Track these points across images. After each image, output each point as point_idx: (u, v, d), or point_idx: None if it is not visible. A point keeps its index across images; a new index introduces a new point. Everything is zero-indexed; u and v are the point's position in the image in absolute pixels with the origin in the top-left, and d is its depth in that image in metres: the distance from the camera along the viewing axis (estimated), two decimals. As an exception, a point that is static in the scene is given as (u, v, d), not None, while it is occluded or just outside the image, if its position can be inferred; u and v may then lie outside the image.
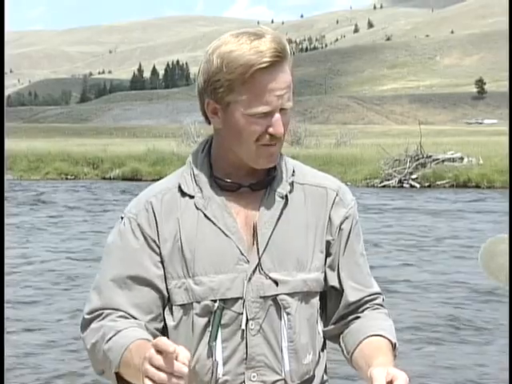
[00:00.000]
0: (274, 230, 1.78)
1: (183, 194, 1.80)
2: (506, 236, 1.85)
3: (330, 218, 1.84)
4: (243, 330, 1.75)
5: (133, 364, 1.62)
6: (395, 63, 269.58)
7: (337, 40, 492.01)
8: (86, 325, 1.79)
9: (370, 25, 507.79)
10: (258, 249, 1.76)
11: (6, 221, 10.54)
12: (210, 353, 1.75)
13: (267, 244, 1.77)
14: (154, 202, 1.80)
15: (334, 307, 1.86)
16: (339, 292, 1.85)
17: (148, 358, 1.49)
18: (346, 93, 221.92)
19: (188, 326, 1.77)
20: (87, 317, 1.78)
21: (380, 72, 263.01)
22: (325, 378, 1.89)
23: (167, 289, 1.78)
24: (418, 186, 26.76)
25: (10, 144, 32.68)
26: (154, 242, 1.78)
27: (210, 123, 1.81)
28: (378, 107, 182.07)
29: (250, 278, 1.75)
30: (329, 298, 1.87)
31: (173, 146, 38.70)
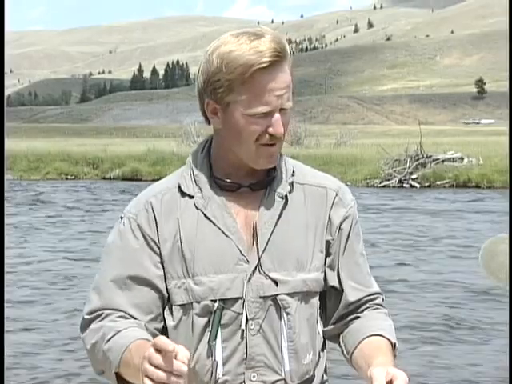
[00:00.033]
0: (273, 230, 1.78)
1: (183, 194, 1.80)
2: (507, 236, 1.85)
3: (329, 217, 1.84)
4: (243, 330, 1.75)
5: (133, 364, 1.62)
6: (395, 63, 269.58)
7: (337, 40, 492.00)
8: (85, 325, 1.79)
9: (370, 25, 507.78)
10: (257, 249, 1.76)
11: (5, 221, 10.54)
12: (210, 353, 1.75)
13: (267, 244, 1.77)
14: (154, 202, 1.80)
15: (333, 307, 1.86)
16: (339, 292, 1.85)
17: (147, 357, 1.49)
18: (346, 93, 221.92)
19: (188, 326, 1.77)
20: (87, 317, 1.78)
21: (380, 72, 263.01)
22: (325, 377, 1.89)
23: (167, 289, 1.78)
24: (417, 186, 26.76)
25: (10, 144, 32.68)
26: (154, 242, 1.78)
27: (209, 123, 1.81)
28: (378, 107, 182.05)
29: (249, 278, 1.75)
30: (328, 298, 1.87)
31: (173, 146, 38.72)
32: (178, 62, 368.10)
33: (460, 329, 7.98)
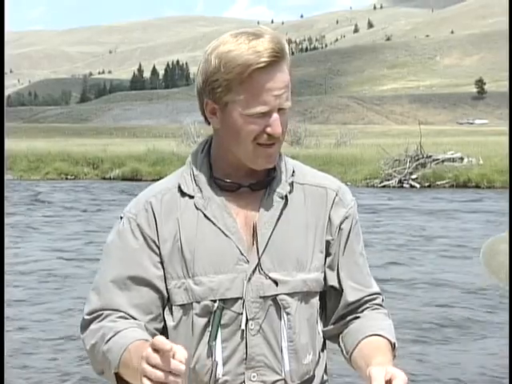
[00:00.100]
0: (273, 230, 1.78)
1: (183, 194, 1.80)
2: (507, 235, 1.85)
3: (329, 217, 1.84)
4: (243, 330, 1.75)
5: (132, 364, 1.61)
6: (395, 63, 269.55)
7: (337, 40, 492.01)
8: (85, 325, 1.79)
9: (370, 25, 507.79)
10: (257, 249, 1.76)
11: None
12: (210, 353, 1.75)
13: (267, 244, 1.77)
14: (154, 202, 1.80)
15: (333, 307, 1.86)
16: (339, 292, 1.85)
17: (145, 357, 1.49)
18: (346, 93, 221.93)
19: (188, 326, 1.77)
20: (87, 317, 1.78)
21: (380, 72, 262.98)
22: (325, 377, 1.89)
23: (167, 289, 1.78)
24: (417, 186, 26.76)
25: (10, 144, 32.69)
26: (154, 242, 1.78)
27: (209, 123, 1.81)
28: (377, 107, 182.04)
29: (249, 278, 1.75)
30: (328, 298, 1.87)
31: (173, 146, 38.74)
32: (177, 62, 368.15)
33: (452, 328, 7.98)
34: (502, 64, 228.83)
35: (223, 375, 1.76)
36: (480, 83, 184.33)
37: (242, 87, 1.70)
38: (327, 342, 1.90)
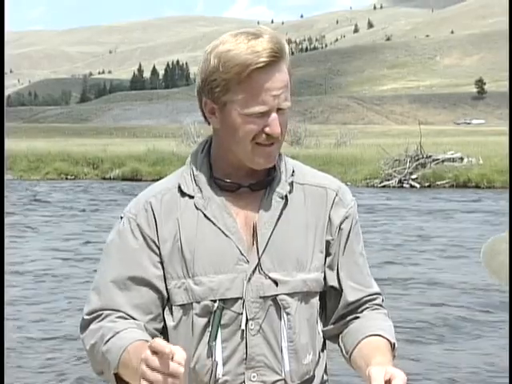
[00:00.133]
0: (273, 230, 1.78)
1: (183, 194, 1.80)
2: (507, 235, 1.85)
3: (329, 217, 1.83)
4: (243, 330, 1.75)
5: (131, 365, 1.61)
6: (395, 63, 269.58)
7: (337, 40, 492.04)
8: (85, 326, 1.78)
9: (370, 25, 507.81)
10: (257, 249, 1.76)
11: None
12: (210, 353, 1.75)
13: (267, 244, 1.77)
14: (154, 203, 1.80)
15: (333, 307, 1.86)
16: (338, 292, 1.85)
17: (144, 359, 1.49)
18: (346, 93, 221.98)
19: (188, 326, 1.76)
20: (87, 318, 1.78)
21: (380, 72, 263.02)
22: (325, 378, 1.88)
23: (167, 289, 1.78)
24: (417, 186, 26.76)
25: (10, 144, 32.67)
26: (154, 242, 1.78)
27: (209, 123, 1.81)
28: (377, 107, 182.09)
29: (249, 278, 1.75)
30: (328, 298, 1.87)
31: (173, 146, 38.73)
32: (177, 62, 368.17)
33: (447, 328, 7.98)
34: (502, 64, 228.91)
35: (223, 375, 1.75)
36: (480, 83, 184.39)
37: (241, 87, 1.70)
38: (327, 341, 1.90)
